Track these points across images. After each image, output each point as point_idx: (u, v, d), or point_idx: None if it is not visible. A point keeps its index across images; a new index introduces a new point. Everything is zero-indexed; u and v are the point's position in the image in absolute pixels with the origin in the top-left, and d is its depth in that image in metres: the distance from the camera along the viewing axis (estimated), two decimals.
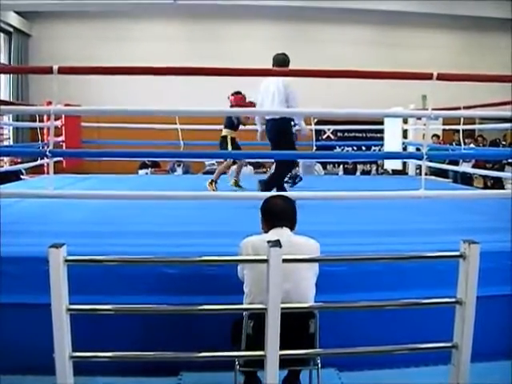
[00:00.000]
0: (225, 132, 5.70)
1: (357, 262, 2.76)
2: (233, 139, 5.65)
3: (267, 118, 4.79)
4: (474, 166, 8.11)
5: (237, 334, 2.31)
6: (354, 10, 10.18)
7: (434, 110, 3.85)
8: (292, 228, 2.52)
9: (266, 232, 2.50)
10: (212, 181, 5.55)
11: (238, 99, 5.61)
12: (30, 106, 7.97)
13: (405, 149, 7.25)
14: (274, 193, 2.74)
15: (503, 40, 10.89)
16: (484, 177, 8.61)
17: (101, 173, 7.35)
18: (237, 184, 5.86)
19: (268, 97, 4.64)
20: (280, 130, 4.63)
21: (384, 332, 2.68)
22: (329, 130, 10.97)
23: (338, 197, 4.59)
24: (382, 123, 7.40)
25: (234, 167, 6.05)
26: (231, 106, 5.64)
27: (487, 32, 11.34)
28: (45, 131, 6.67)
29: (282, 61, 4.61)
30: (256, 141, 5.42)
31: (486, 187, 8.55)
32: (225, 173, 5.91)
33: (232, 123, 5.65)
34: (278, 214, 2.51)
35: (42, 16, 10.81)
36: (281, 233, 2.41)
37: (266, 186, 4.56)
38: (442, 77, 3.59)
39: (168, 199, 4.03)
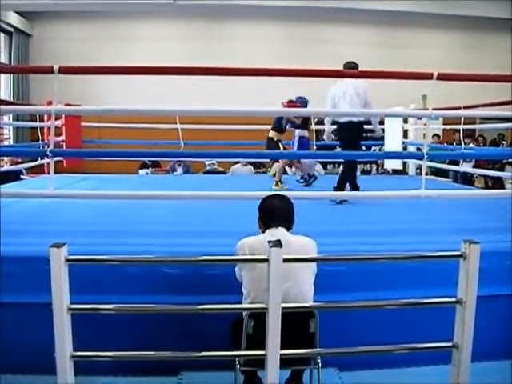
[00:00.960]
0: (272, 134, 5.85)
1: (357, 262, 2.76)
2: (278, 141, 5.82)
3: (343, 119, 4.90)
4: (474, 166, 8.11)
5: (236, 335, 2.31)
6: (355, 10, 10.17)
7: (434, 109, 3.84)
8: (289, 228, 2.51)
9: (263, 232, 2.50)
10: (277, 182, 5.79)
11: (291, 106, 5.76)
12: (30, 106, 7.97)
13: (405, 148, 7.25)
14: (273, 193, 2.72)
15: (503, 40, 10.89)
16: (485, 177, 8.61)
17: (101, 173, 7.35)
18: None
19: (346, 99, 4.76)
20: (356, 131, 4.83)
21: (384, 332, 2.68)
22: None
23: (339, 196, 4.62)
24: (382, 123, 7.39)
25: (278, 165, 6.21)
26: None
27: (487, 32, 11.33)
28: (45, 131, 6.67)
29: (352, 68, 4.80)
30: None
31: (486, 187, 8.55)
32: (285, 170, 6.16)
33: (280, 126, 5.83)
34: (274, 214, 2.51)
35: (43, 16, 10.80)
36: (276, 233, 2.41)
37: (340, 187, 4.80)
38: (442, 76, 3.59)
39: (168, 199, 4.03)
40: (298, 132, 5.95)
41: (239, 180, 7.08)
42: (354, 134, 4.83)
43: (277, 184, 5.82)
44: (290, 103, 5.82)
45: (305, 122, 6.00)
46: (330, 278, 2.74)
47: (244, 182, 5.97)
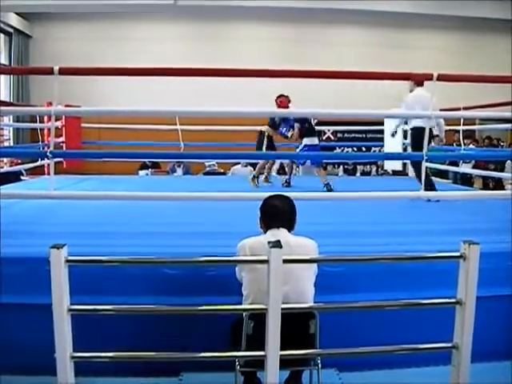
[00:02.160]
0: (263, 128, 6.10)
1: (357, 263, 2.76)
2: (270, 137, 6.10)
3: (416, 124, 5.10)
4: (474, 167, 8.11)
5: (236, 336, 2.31)
6: (354, 12, 10.16)
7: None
8: (290, 229, 2.51)
9: (265, 232, 2.50)
10: (254, 177, 6.13)
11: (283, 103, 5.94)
12: (30, 107, 7.98)
13: (405, 149, 7.24)
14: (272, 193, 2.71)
15: (502, 41, 10.89)
16: (483, 177, 8.61)
17: (101, 173, 7.35)
18: (267, 180, 6.34)
19: (424, 106, 4.88)
20: (422, 135, 5.06)
21: (384, 332, 2.68)
22: (329, 130, 10.97)
23: (338, 197, 4.61)
24: (382, 124, 7.40)
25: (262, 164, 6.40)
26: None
27: (487, 33, 11.33)
28: (45, 132, 6.68)
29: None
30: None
31: (485, 188, 8.55)
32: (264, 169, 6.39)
33: (274, 123, 6.08)
34: (275, 215, 2.50)
35: (43, 17, 10.81)
36: (277, 234, 2.40)
37: (430, 187, 4.88)
38: (442, 78, 3.59)
39: (168, 200, 4.03)
40: (305, 140, 5.92)
41: (239, 181, 7.08)
42: (421, 137, 5.10)
43: (253, 180, 6.03)
44: (281, 98, 5.92)
45: (307, 129, 5.96)
46: (331, 279, 2.74)
47: (244, 183, 5.96)
